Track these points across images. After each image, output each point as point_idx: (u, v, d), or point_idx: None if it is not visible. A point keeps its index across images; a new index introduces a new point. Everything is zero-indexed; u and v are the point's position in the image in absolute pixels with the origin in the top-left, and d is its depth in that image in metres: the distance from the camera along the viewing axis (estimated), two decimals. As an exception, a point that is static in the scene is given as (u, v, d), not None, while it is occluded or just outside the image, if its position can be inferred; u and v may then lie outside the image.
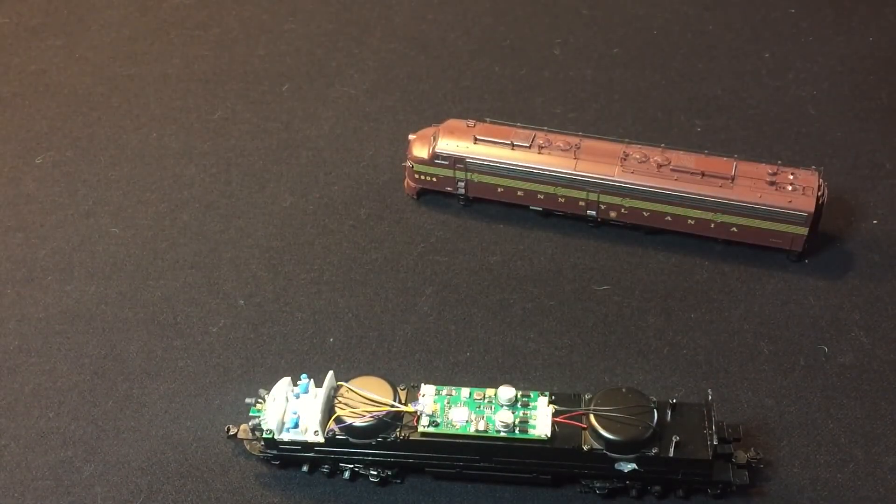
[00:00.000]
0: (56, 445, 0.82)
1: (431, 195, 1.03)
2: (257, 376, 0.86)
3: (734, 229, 0.93)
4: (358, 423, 0.72)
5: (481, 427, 0.71)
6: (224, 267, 0.97)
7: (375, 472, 0.76)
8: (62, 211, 1.04)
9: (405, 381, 0.76)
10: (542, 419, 0.72)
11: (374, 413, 0.72)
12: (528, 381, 0.85)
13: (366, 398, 0.73)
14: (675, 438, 0.70)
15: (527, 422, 0.71)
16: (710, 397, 0.73)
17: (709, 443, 0.70)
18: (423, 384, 0.75)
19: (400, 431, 0.73)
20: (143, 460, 0.80)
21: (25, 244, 1.01)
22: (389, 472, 0.76)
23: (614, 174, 0.94)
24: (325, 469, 0.77)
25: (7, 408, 0.85)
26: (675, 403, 0.72)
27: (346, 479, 0.77)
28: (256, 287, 0.95)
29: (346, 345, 0.89)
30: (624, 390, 0.72)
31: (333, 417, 0.73)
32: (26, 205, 1.05)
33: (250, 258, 0.98)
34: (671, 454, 0.70)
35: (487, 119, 1.01)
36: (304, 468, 0.77)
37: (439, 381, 0.75)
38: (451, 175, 1.00)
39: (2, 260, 0.99)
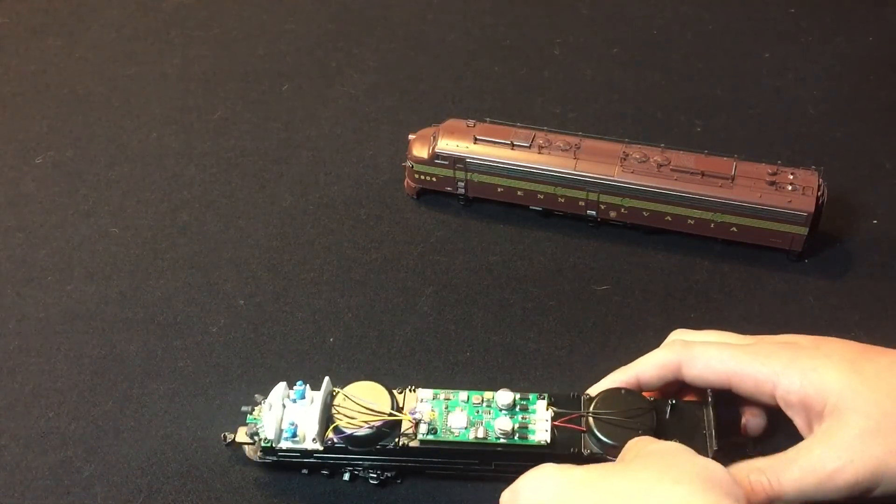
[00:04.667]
0: (56, 445, 0.82)
1: (431, 195, 1.03)
2: (257, 376, 0.86)
3: (734, 229, 0.93)
4: (356, 432, 0.72)
5: (480, 434, 0.71)
6: (224, 267, 0.97)
7: (375, 474, 0.76)
8: (62, 211, 1.04)
9: (405, 381, 0.75)
10: (541, 424, 0.71)
11: (372, 423, 0.72)
12: (527, 382, 0.85)
13: (363, 406, 0.72)
14: (674, 439, 0.70)
15: (526, 427, 0.71)
16: (709, 397, 0.73)
17: (708, 443, 0.70)
18: (419, 389, 0.74)
19: (398, 440, 0.72)
20: (143, 460, 0.80)
21: (25, 244, 1.01)
22: (389, 474, 0.76)
23: (614, 174, 0.94)
24: (325, 471, 0.77)
25: (7, 408, 0.85)
26: (674, 404, 0.72)
27: (345, 480, 0.77)
28: (256, 287, 0.95)
29: (346, 345, 0.89)
30: (623, 392, 0.72)
31: (332, 427, 0.72)
32: (26, 205, 1.05)
33: (250, 258, 0.98)
34: (671, 454, 0.70)
35: (487, 119, 1.01)
36: (304, 470, 0.77)
37: (439, 381, 0.75)
38: (451, 175, 1.00)
39: (2, 260, 0.99)
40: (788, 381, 0.66)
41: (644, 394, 0.73)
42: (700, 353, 0.70)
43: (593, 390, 0.74)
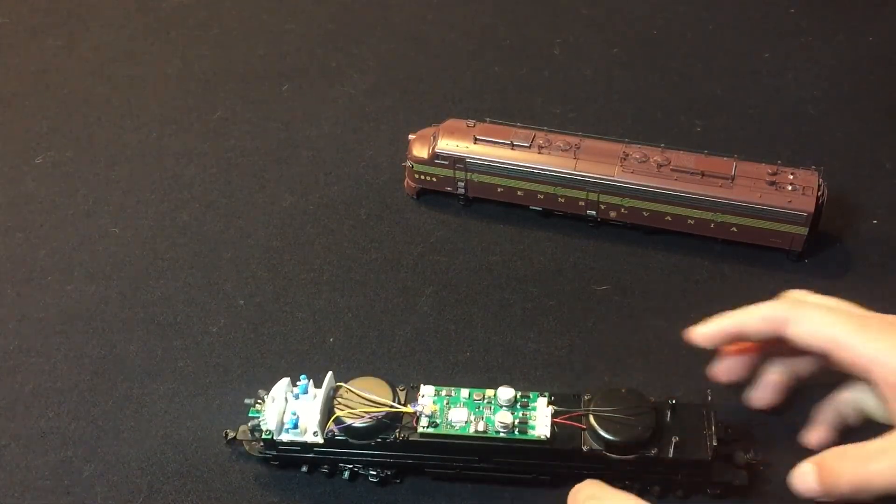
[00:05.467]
0: (56, 445, 0.82)
1: (431, 195, 1.03)
2: (257, 376, 0.86)
3: (734, 229, 0.93)
4: (357, 423, 0.72)
5: (480, 428, 0.71)
6: (224, 267, 0.97)
7: (375, 472, 0.76)
8: (62, 211, 1.04)
9: (405, 381, 0.76)
10: (541, 420, 0.72)
11: (373, 414, 0.72)
12: (527, 382, 0.85)
13: (365, 399, 0.73)
14: (674, 439, 0.70)
15: (526, 422, 0.71)
16: (709, 398, 0.73)
17: (708, 443, 0.70)
18: (422, 385, 0.75)
19: (399, 432, 0.73)
20: (143, 460, 0.80)
21: (25, 244, 1.01)
22: (389, 473, 0.76)
23: (614, 174, 0.94)
24: (325, 469, 0.77)
25: (7, 408, 0.85)
26: (674, 404, 0.72)
27: (345, 480, 0.77)
28: (256, 287, 0.95)
29: (346, 345, 0.89)
30: (623, 391, 0.72)
31: (333, 418, 0.72)
32: (26, 205, 1.06)
33: (250, 258, 0.98)
34: (671, 455, 0.70)
35: (487, 119, 1.01)
36: (304, 468, 0.77)
37: (439, 381, 0.75)
38: (451, 175, 1.00)
39: (2, 260, 0.99)
40: (894, 364, 0.63)
41: (646, 396, 0.73)
42: (812, 313, 0.67)
43: (702, 329, 0.73)
